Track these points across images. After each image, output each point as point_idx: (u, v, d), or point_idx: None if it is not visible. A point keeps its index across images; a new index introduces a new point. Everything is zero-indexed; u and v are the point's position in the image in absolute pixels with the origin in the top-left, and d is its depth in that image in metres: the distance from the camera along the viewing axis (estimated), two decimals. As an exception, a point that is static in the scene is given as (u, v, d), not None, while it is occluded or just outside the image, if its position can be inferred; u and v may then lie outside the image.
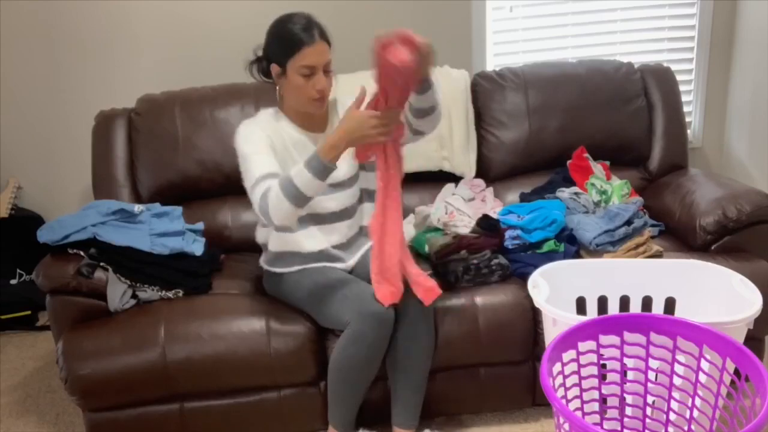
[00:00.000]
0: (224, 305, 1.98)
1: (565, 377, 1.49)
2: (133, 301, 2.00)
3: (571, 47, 3.00)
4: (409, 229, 2.39)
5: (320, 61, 1.82)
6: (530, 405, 2.11)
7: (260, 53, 1.93)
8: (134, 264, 2.01)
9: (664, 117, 2.65)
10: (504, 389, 2.06)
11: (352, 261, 2.04)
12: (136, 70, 2.92)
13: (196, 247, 2.16)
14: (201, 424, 1.97)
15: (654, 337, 1.49)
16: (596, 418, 1.61)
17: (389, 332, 1.80)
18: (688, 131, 3.08)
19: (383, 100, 1.70)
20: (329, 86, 1.88)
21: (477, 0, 2.91)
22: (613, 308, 1.89)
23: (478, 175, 2.62)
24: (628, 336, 1.51)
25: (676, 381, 1.51)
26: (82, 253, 1.97)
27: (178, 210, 2.27)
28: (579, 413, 1.57)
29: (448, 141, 2.56)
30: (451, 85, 2.59)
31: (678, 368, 1.50)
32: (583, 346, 1.49)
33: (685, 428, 1.53)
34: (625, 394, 1.59)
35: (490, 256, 2.05)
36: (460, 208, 2.32)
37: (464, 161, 2.59)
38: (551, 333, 1.64)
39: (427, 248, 2.15)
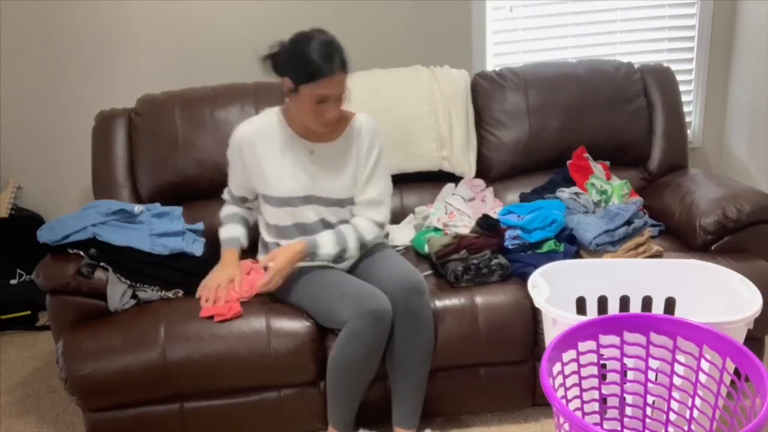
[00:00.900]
0: (224, 305, 1.98)
1: (565, 377, 1.49)
2: (133, 301, 2.00)
3: (571, 47, 3.00)
4: (408, 229, 2.39)
5: (335, 93, 1.81)
6: (530, 405, 2.11)
7: (276, 49, 1.87)
8: (134, 264, 2.01)
9: (664, 117, 2.65)
10: (504, 389, 2.06)
11: (349, 260, 2.04)
12: (136, 70, 2.92)
13: (196, 247, 2.16)
14: (201, 424, 1.96)
15: (654, 337, 1.49)
16: (596, 418, 1.61)
17: (387, 331, 1.80)
18: (688, 131, 3.08)
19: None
20: (340, 108, 1.88)
21: (477, 0, 2.91)
22: (613, 308, 1.89)
23: (478, 175, 2.62)
24: (628, 336, 1.51)
25: (676, 381, 1.51)
26: (82, 253, 1.97)
27: (178, 210, 2.27)
28: (579, 413, 1.57)
29: (448, 141, 2.56)
30: (451, 85, 2.59)
31: (678, 368, 1.50)
32: (583, 346, 1.49)
33: (685, 428, 1.53)
34: (625, 394, 1.59)
35: (490, 256, 2.05)
36: (460, 208, 2.32)
37: (464, 161, 2.59)
38: (551, 333, 1.64)
39: (427, 248, 2.15)
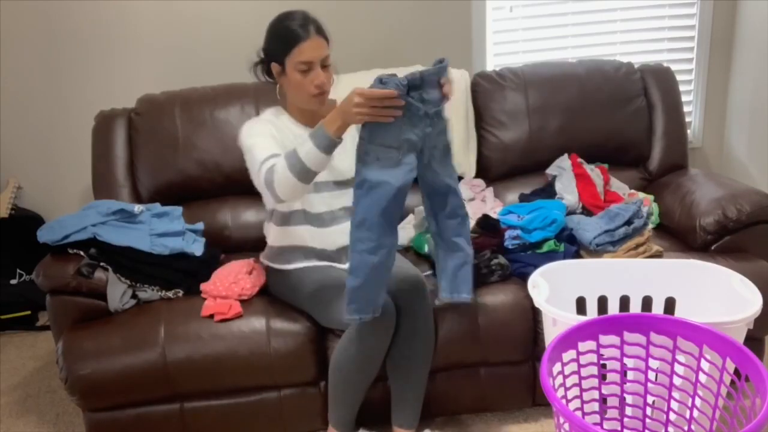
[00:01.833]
0: (224, 305, 1.98)
1: (565, 377, 1.49)
2: (133, 301, 2.00)
3: (571, 47, 3.00)
4: (408, 229, 2.39)
5: (316, 56, 1.83)
6: (530, 405, 2.10)
7: (261, 54, 1.94)
8: (134, 264, 2.01)
9: (664, 117, 2.65)
10: (504, 389, 2.06)
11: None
12: (136, 70, 2.92)
13: (196, 247, 2.16)
14: (201, 424, 1.97)
15: (654, 337, 1.49)
16: (596, 418, 1.61)
17: (390, 332, 1.80)
18: (688, 131, 3.08)
19: None
20: (329, 81, 1.89)
21: (477, 0, 2.91)
22: (613, 308, 1.89)
23: (478, 175, 2.62)
24: (628, 336, 1.51)
25: (676, 381, 1.51)
26: (82, 253, 1.97)
27: (178, 210, 2.27)
28: (579, 413, 1.57)
29: (448, 141, 2.56)
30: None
31: (678, 368, 1.50)
32: (583, 346, 1.49)
33: (685, 428, 1.53)
34: (625, 394, 1.59)
35: (490, 256, 2.05)
36: (460, 208, 2.32)
37: (464, 161, 2.59)
38: (551, 333, 1.64)
39: (427, 248, 2.15)
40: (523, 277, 1.96)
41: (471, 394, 2.04)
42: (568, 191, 2.35)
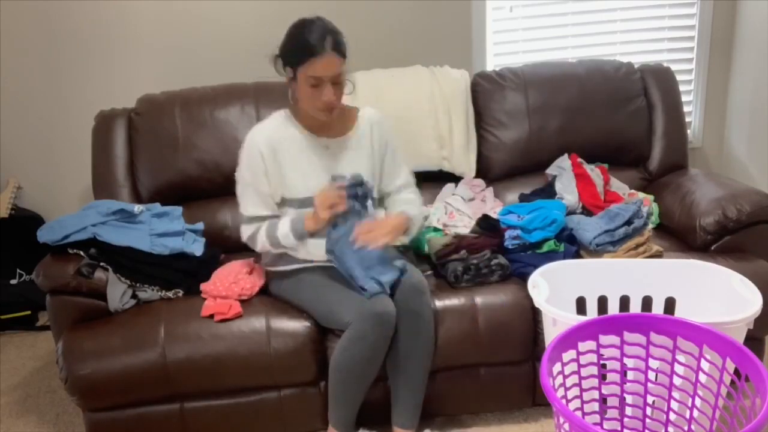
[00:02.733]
0: (224, 305, 1.98)
1: (565, 377, 1.49)
2: (133, 301, 2.00)
3: (571, 47, 3.00)
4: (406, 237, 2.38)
5: (327, 74, 1.81)
6: (530, 405, 2.10)
7: (278, 52, 1.92)
8: (134, 264, 2.01)
9: (664, 117, 2.65)
10: (504, 389, 2.06)
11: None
12: (136, 70, 2.92)
13: (196, 247, 2.16)
14: (201, 424, 1.96)
15: (654, 337, 1.49)
16: (596, 418, 1.61)
17: (391, 332, 1.80)
18: (688, 131, 3.08)
19: None
20: (339, 98, 1.88)
21: (477, 0, 2.91)
22: (613, 308, 1.89)
23: (478, 175, 2.62)
24: (628, 336, 1.51)
25: (676, 381, 1.51)
26: (82, 253, 1.97)
27: (178, 210, 2.27)
28: (579, 413, 1.57)
29: (448, 141, 2.56)
30: (451, 85, 2.59)
31: (678, 368, 1.50)
32: (583, 346, 1.49)
33: (685, 428, 1.53)
34: (625, 394, 1.59)
35: (490, 256, 2.05)
36: (460, 208, 2.32)
37: (464, 161, 2.59)
38: (551, 333, 1.64)
39: (427, 248, 2.15)
40: (523, 277, 1.96)
41: (471, 394, 2.04)
42: (568, 191, 2.35)
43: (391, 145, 2.06)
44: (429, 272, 2.10)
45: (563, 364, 1.47)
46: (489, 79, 2.66)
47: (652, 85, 2.66)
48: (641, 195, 2.43)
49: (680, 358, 1.48)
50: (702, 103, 3.11)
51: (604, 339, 1.51)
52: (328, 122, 1.95)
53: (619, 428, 1.63)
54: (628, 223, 2.10)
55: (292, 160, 1.93)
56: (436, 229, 2.23)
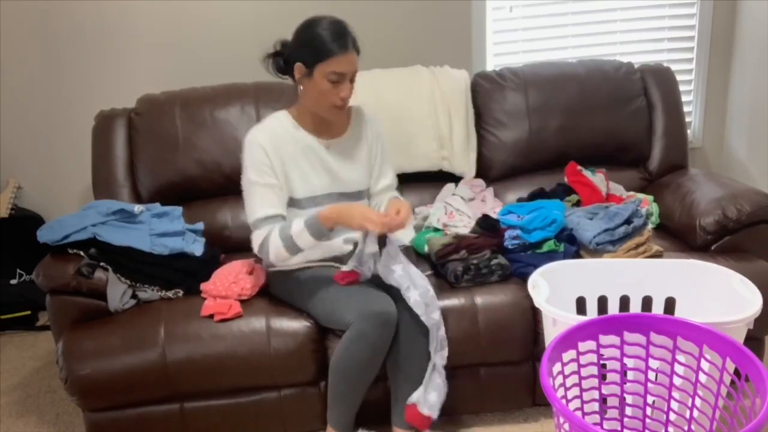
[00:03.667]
0: (224, 305, 1.97)
1: (565, 377, 1.49)
2: (133, 301, 2.00)
3: (571, 47, 3.00)
4: (408, 229, 2.38)
5: (350, 70, 1.85)
6: (530, 405, 2.10)
7: (279, 48, 1.93)
8: (134, 264, 2.01)
9: (664, 117, 2.65)
10: (504, 389, 2.06)
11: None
12: (136, 70, 2.92)
13: (196, 247, 2.16)
14: (201, 424, 1.96)
15: (654, 337, 1.49)
16: (596, 418, 1.61)
17: (392, 333, 1.80)
18: (688, 131, 3.08)
19: None
20: (351, 95, 1.90)
21: (477, 0, 2.91)
22: (613, 308, 1.89)
23: (478, 175, 2.62)
24: (628, 336, 1.51)
25: (676, 381, 1.51)
26: (82, 253, 1.97)
27: (178, 210, 2.27)
28: (579, 413, 1.57)
29: (448, 141, 2.56)
30: (451, 85, 2.59)
31: (678, 368, 1.50)
32: (583, 346, 1.49)
33: (685, 428, 1.53)
34: (625, 394, 1.59)
35: (489, 256, 2.05)
36: (460, 208, 2.32)
37: (464, 161, 2.59)
38: (551, 333, 1.64)
39: (427, 248, 2.15)
40: (523, 277, 1.96)
41: (471, 394, 2.04)
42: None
43: (380, 141, 2.08)
44: (429, 272, 2.10)
45: (563, 364, 1.47)
46: (489, 79, 2.66)
47: (652, 85, 2.67)
48: (640, 196, 2.43)
49: (680, 358, 1.48)
50: (702, 103, 3.11)
51: (604, 339, 1.50)
52: (333, 121, 1.96)
53: (619, 428, 1.63)
54: (628, 222, 2.10)
55: (292, 160, 1.94)
56: (436, 229, 2.23)
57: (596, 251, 2.08)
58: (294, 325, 1.91)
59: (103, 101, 2.72)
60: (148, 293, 2.02)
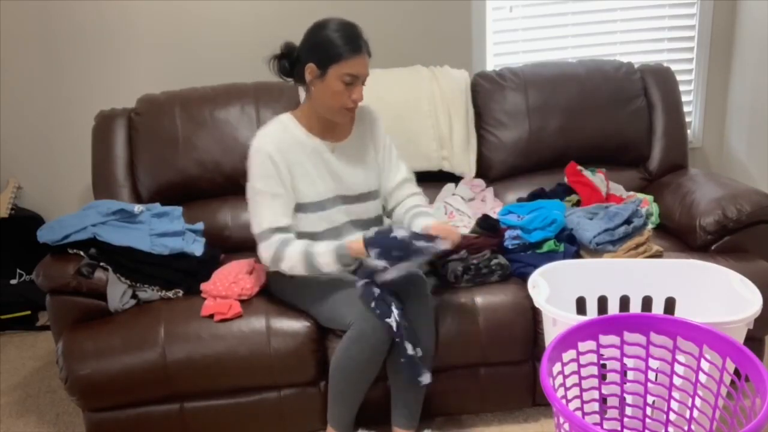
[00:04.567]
0: (224, 305, 1.97)
1: (565, 377, 1.49)
2: (133, 301, 2.00)
3: (571, 47, 3.00)
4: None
5: (363, 72, 1.86)
6: (530, 405, 2.11)
7: (284, 50, 1.92)
8: (134, 264, 2.01)
9: (664, 117, 2.65)
10: (504, 389, 2.06)
11: (355, 263, 2.04)
12: (136, 70, 2.92)
13: (196, 247, 2.16)
14: (201, 424, 1.96)
15: (654, 337, 1.49)
16: (596, 418, 1.61)
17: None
18: (688, 131, 3.08)
19: None
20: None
21: (477, 0, 2.91)
22: (613, 308, 1.89)
23: (478, 175, 2.62)
24: (628, 336, 1.51)
25: (676, 381, 1.51)
26: (82, 253, 1.97)
27: (178, 210, 2.27)
28: (579, 413, 1.57)
29: (448, 141, 2.56)
30: (451, 85, 2.59)
31: (678, 368, 1.50)
32: (583, 346, 1.49)
33: (685, 428, 1.53)
34: (625, 394, 1.59)
35: (490, 256, 2.05)
36: (460, 208, 2.32)
37: (464, 161, 2.59)
38: (551, 333, 1.64)
39: (427, 248, 2.15)
40: (523, 277, 1.97)
41: (471, 394, 2.04)
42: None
43: (387, 138, 2.08)
44: (429, 272, 2.10)
45: (563, 364, 1.47)
46: (489, 79, 2.66)
47: (652, 85, 2.67)
48: (640, 196, 2.44)
49: (680, 358, 1.48)
50: (702, 103, 3.11)
51: (604, 339, 1.50)
52: (338, 124, 1.96)
53: (619, 428, 1.63)
54: (628, 222, 2.10)
55: (299, 166, 1.93)
56: (436, 229, 2.23)
57: (596, 251, 2.08)
58: (294, 325, 1.91)
59: (103, 101, 2.72)
60: (148, 293, 2.02)
